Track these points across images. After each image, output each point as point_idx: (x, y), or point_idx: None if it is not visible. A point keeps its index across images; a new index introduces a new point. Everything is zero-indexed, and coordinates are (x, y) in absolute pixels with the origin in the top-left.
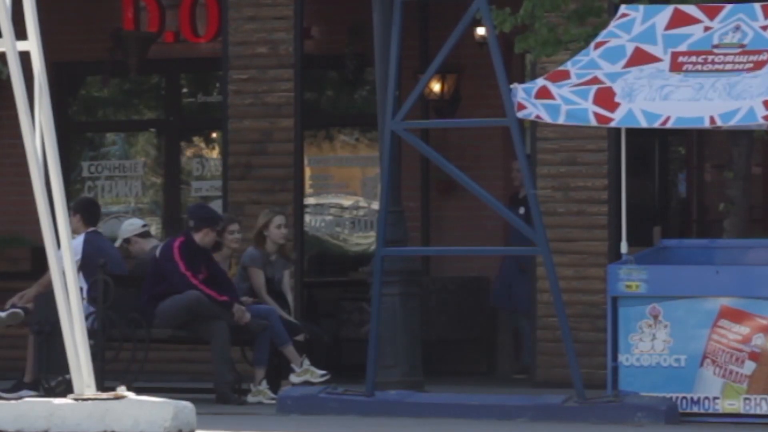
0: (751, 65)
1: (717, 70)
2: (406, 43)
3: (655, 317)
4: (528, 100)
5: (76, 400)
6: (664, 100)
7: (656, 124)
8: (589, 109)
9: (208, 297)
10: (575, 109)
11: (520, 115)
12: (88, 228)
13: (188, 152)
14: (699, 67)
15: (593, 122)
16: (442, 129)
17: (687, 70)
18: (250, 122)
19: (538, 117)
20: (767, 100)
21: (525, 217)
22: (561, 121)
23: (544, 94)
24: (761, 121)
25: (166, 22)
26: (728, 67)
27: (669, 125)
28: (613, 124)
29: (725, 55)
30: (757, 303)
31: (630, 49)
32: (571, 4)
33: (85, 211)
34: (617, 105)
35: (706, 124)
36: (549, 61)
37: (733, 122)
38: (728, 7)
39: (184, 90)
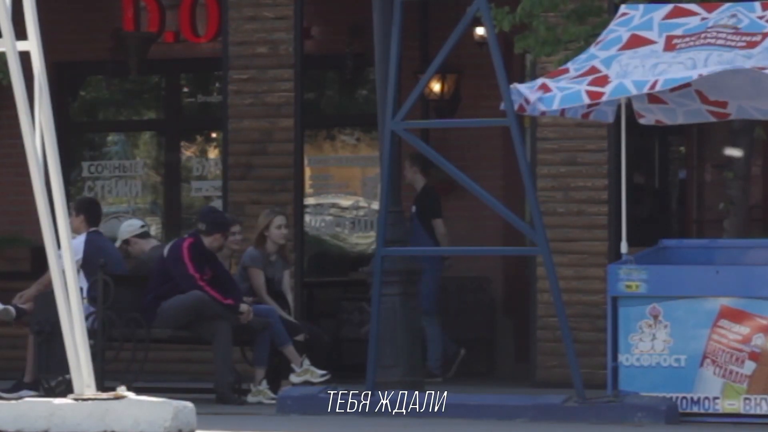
0: (744, 44)
1: (709, 44)
2: (406, 43)
3: (655, 317)
4: (526, 95)
5: (76, 400)
6: (658, 76)
7: (645, 89)
8: (582, 90)
9: (213, 298)
10: (569, 93)
11: (519, 110)
12: (90, 228)
13: (188, 152)
14: (692, 43)
15: (586, 100)
16: (442, 129)
17: (680, 47)
18: (250, 122)
19: (529, 103)
20: (759, 67)
21: (416, 215)
22: (555, 106)
23: (542, 89)
24: (747, 66)
25: (166, 22)
26: (720, 42)
27: (658, 88)
28: (604, 98)
29: (718, 32)
30: (757, 303)
31: (626, 36)
32: (570, 4)
33: (88, 211)
34: (609, 82)
35: (694, 77)
36: (549, 61)
37: (718, 69)
38: (727, 4)
39: (184, 90)
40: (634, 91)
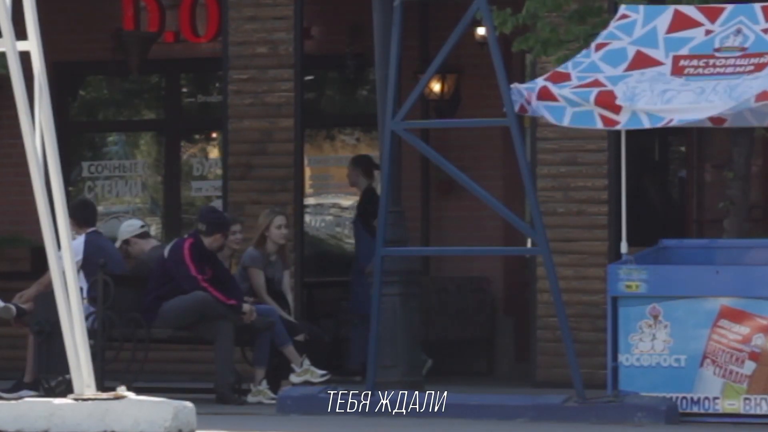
0: (752, 68)
1: (718, 74)
2: (406, 43)
3: (655, 317)
4: (530, 103)
5: (76, 400)
6: (667, 104)
7: (660, 125)
8: (594, 111)
9: (216, 299)
10: (580, 111)
11: (520, 110)
12: (84, 229)
13: (188, 152)
14: (700, 71)
15: (600, 125)
16: (442, 129)
17: (688, 74)
18: (250, 122)
19: (531, 104)
20: (760, 93)
21: (358, 217)
22: (566, 123)
23: (545, 95)
24: (753, 104)
25: (166, 22)
26: (729, 70)
27: (672, 125)
28: (618, 127)
29: (726, 58)
30: (757, 303)
31: (631, 52)
32: (572, 5)
33: (74, 214)
34: (620, 108)
35: (707, 123)
36: (548, 61)
37: (727, 108)
38: (729, 9)
39: (184, 90)
40: (647, 125)
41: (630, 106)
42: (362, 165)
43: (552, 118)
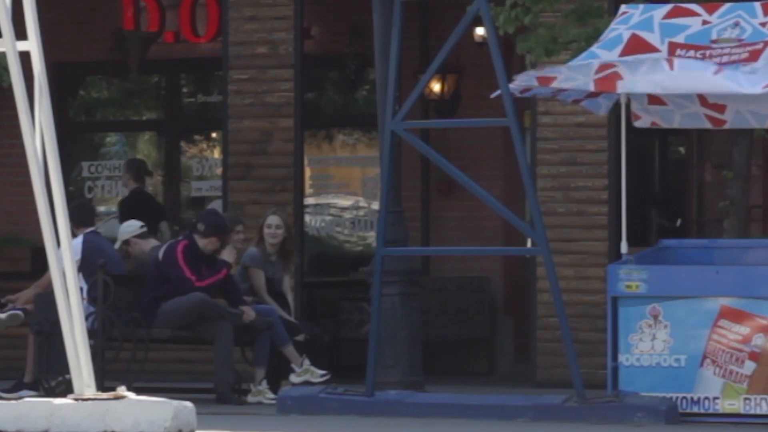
0: (747, 54)
1: (715, 63)
2: (406, 43)
3: (655, 317)
4: (523, 80)
5: (76, 400)
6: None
7: (658, 89)
8: (590, 78)
9: (213, 301)
10: (575, 80)
11: (522, 92)
12: (81, 230)
13: (188, 152)
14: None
15: (592, 88)
16: (442, 129)
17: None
18: (250, 122)
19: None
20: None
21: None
22: (556, 84)
23: (541, 81)
24: (760, 91)
25: (166, 22)
26: (725, 59)
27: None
28: (619, 91)
29: (722, 48)
30: (757, 303)
31: (626, 35)
32: (569, 4)
33: (72, 216)
34: (619, 76)
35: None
36: (549, 62)
37: (726, 87)
38: (727, 4)
39: (184, 90)
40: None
41: (631, 75)
42: (132, 169)
43: (540, 87)
